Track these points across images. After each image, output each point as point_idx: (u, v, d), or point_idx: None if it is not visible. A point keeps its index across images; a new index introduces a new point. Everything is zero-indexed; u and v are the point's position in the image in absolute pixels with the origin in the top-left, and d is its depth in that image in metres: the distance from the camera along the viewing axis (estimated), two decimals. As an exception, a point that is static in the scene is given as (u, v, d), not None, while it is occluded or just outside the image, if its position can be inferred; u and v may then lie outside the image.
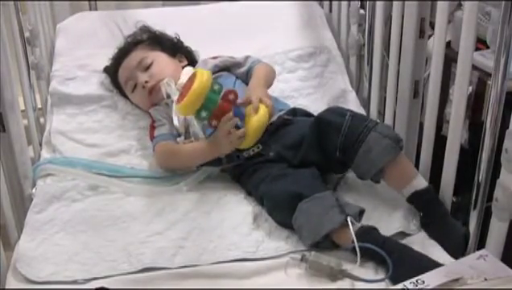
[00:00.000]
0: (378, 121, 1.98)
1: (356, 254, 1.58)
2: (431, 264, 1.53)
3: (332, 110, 1.90)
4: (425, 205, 1.75)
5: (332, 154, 1.79)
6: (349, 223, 1.61)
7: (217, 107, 1.81)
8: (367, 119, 1.84)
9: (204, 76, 1.79)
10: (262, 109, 1.86)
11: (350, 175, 1.91)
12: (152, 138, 2.05)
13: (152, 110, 2.12)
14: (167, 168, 2.00)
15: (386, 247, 1.58)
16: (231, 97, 1.83)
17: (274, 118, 1.93)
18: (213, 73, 2.11)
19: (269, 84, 2.11)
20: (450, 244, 1.66)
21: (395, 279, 1.51)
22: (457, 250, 1.64)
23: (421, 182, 1.75)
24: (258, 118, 1.84)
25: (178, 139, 1.99)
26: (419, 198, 1.74)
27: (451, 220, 1.73)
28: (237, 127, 1.84)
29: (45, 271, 1.61)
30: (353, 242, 1.59)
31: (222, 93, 1.82)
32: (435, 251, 1.64)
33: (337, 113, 1.83)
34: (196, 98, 1.77)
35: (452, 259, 1.59)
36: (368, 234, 1.62)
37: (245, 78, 2.15)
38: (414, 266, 1.52)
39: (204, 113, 1.81)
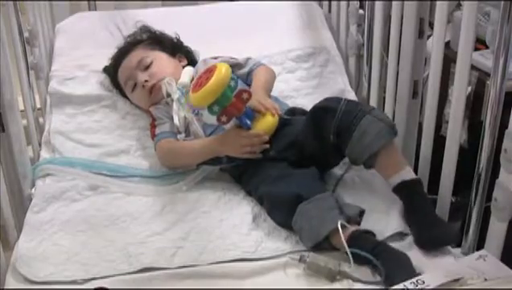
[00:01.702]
0: (373, 106, 1.97)
1: (353, 257, 1.58)
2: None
3: (328, 98, 1.91)
4: (408, 196, 1.73)
5: (327, 138, 1.78)
6: (339, 228, 1.59)
7: (230, 104, 1.79)
8: (362, 104, 1.85)
9: (223, 70, 1.77)
10: (271, 117, 1.88)
11: (349, 175, 1.91)
12: (153, 136, 2.05)
13: (153, 109, 2.12)
14: (168, 166, 2.00)
15: (376, 253, 1.57)
16: (245, 96, 1.82)
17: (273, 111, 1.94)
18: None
19: (270, 89, 2.11)
20: (427, 239, 1.64)
21: (389, 284, 1.51)
22: (434, 246, 1.61)
23: (409, 173, 1.74)
24: (265, 124, 1.86)
25: (178, 136, 1.99)
26: (404, 188, 1.73)
27: (434, 217, 1.70)
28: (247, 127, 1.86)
29: (44, 271, 1.61)
30: (348, 244, 1.58)
31: (236, 91, 1.82)
32: (434, 251, 1.64)
33: (333, 100, 1.84)
34: (213, 91, 1.75)
35: (451, 260, 1.60)
36: (361, 238, 1.61)
37: (246, 79, 2.15)
38: (405, 273, 1.51)
39: (216, 108, 1.79)
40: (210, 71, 1.79)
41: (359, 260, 1.58)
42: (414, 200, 1.72)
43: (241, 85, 2.09)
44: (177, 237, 1.72)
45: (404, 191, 1.73)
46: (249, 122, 1.86)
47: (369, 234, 1.65)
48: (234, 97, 1.80)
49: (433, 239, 1.63)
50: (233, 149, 1.88)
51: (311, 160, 1.85)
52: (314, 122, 1.83)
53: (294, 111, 2.04)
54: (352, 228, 1.62)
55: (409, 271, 1.51)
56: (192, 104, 1.85)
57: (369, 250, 1.57)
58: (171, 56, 2.23)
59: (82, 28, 2.57)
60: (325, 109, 1.80)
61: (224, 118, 1.81)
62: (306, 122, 1.86)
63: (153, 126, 2.08)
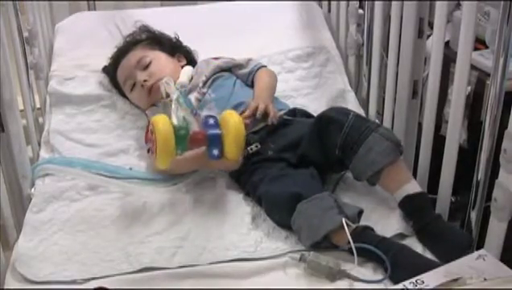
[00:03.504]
0: (380, 124, 1.97)
1: (353, 255, 1.58)
2: (427, 263, 1.53)
3: (336, 109, 1.90)
4: (415, 210, 1.71)
5: (332, 152, 1.79)
6: (344, 225, 1.60)
7: (190, 140, 1.76)
8: (370, 121, 1.85)
9: (159, 124, 1.73)
10: (235, 123, 1.77)
11: (349, 175, 1.90)
12: (147, 140, 2.05)
13: (149, 111, 2.12)
14: (160, 172, 1.98)
15: (382, 247, 1.57)
16: (199, 137, 1.77)
17: (274, 121, 1.94)
18: (215, 74, 2.12)
19: (272, 94, 2.11)
20: (444, 249, 1.62)
21: (393, 279, 1.51)
22: (453, 255, 1.54)
23: (414, 187, 1.73)
24: (230, 136, 1.76)
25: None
26: (409, 203, 1.71)
27: (444, 224, 1.70)
28: (215, 148, 1.78)
29: (44, 271, 1.61)
30: (349, 242, 1.59)
31: (190, 136, 1.77)
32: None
33: (340, 112, 1.83)
34: (164, 152, 1.72)
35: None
36: (364, 234, 1.62)
37: (246, 80, 2.16)
38: (410, 265, 1.52)
39: (179, 151, 1.76)
40: (152, 132, 1.76)
41: (363, 257, 1.59)
42: (419, 214, 1.71)
43: (240, 86, 2.10)
44: (177, 237, 1.71)
45: (408, 206, 1.72)
46: (215, 151, 1.78)
47: (371, 229, 1.65)
48: (190, 134, 1.77)
49: (448, 251, 1.60)
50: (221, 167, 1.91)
51: (311, 164, 1.85)
52: (319, 133, 1.83)
53: (295, 112, 2.04)
54: (353, 226, 1.62)
55: (415, 266, 1.50)
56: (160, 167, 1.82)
57: (374, 246, 1.57)
58: (170, 56, 2.23)
59: (82, 28, 2.58)
60: (332, 121, 1.80)
61: (195, 147, 1.80)
62: (310, 131, 1.86)
63: (148, 131, 2.07)
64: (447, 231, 1.67)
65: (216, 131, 1.78)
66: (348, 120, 1.78)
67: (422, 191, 1.75)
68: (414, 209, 1.72)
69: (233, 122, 1.76)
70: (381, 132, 1.75)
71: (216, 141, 1.77)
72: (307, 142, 1.86)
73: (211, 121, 1.81)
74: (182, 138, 1.75)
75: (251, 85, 2.14)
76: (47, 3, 2.61)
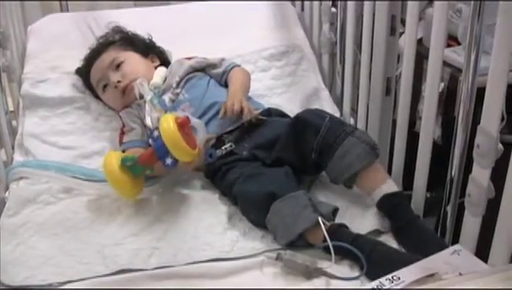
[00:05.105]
0: (356, 127, 1.98)
1: (329, 253, 1.57)
2: (402, 258, 1.53)
3: (312, 111, 1.90)
4: (393, 209, 1.71)
5: (308, 155, 1.79)
6: (321, 223, 1.60)
7: (141, 164, 1.79)
8: (346, 124, 1.85)
9: (107, 163, 1.80)
10: (165, 130, 1.72)
11: (324, 173, 1.91)
12: (121, 143, 2.04)
13: (122, 113, 2.11)
14: None
15: (357, 244, 1.57)
16: (147, 156, 1.79)
17: (249, 118, 1.93)
18: (188, 74, 2.12)
19: (247, 91, 2.12)
20: (421, 249, 1.59)
21: (369, 275, 1.51)
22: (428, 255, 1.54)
23: (391, 186, 1.73)
24: (167, 143, 1.72)
25: (151, 141, 1.96)
26: (387, 202, 1.71)
27: (421, 225, 1.69)
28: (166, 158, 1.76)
29: (20, 276, 1.59)
30: (324, 240, 1.59)
31: (138, 161, 1.79)
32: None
33: (317, 115, 1.83)
34: (114, 184, 1.80)
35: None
36: (339, 232, 1.62)
37: (220, 79, 2.16)
38: (385, 261, 1.53)
39: (139, 174, 1.82)
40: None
41: (338, 254, 1.59)
42: (397, 213, 1.70)
43: (214, 85, 2.10)
44: (153, 238, 1.71)
45: (386, 205, 1.72)
46: (168, 161, 1.75)
47: (345, 227, 1.65)
48: (138, 160, 1.79)
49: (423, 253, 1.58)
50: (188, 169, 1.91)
51: (287, 165, 1.84)
52: (295, 135, 1.83)
53: (270, 112, 2.05)
54: (327, 224, 1.62)
55: (391, 262, 1.51)
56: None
57: (349, 244, 1.57)
58: (143, 57, 2.22)
59: (54, 30, 2.55)
60: (308, 124, 1.80)
61: (151, 165, 1.81)
62: (286, 133, 1.86)
63: (122, 133, 2.07)
64: (423, 234, 1.67)
65: (160, 142, 1.74)
66: (325, 123, 1.78)
67: (399, 190, 1.75)
68: (392, 208, 1.71)
69: (164, 129, 1.72)
70: (358, 135, 1.76)
71: (163, 152, 1.74)
72: (283, 144, 1.86)
73: (155, 133, 1.81)
74: (133, 168, 1.79)
75: (225, 85, 2.14)
76: (18, 3, 2.59)
